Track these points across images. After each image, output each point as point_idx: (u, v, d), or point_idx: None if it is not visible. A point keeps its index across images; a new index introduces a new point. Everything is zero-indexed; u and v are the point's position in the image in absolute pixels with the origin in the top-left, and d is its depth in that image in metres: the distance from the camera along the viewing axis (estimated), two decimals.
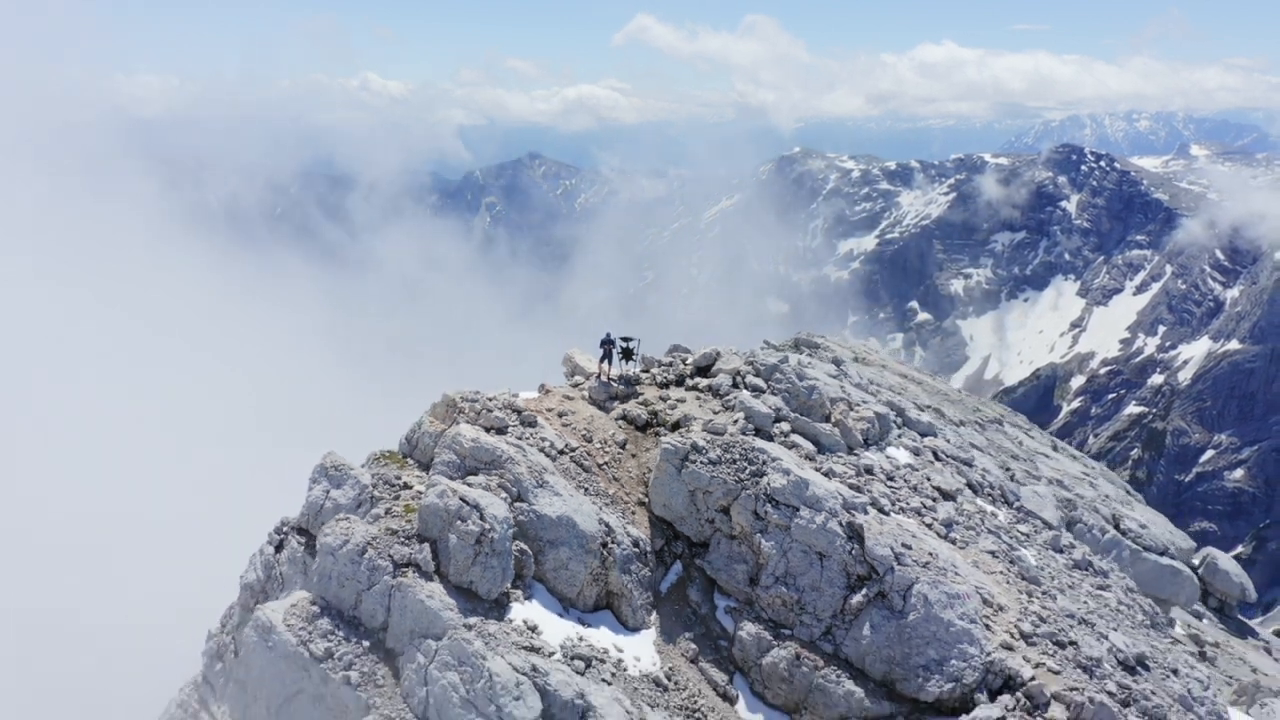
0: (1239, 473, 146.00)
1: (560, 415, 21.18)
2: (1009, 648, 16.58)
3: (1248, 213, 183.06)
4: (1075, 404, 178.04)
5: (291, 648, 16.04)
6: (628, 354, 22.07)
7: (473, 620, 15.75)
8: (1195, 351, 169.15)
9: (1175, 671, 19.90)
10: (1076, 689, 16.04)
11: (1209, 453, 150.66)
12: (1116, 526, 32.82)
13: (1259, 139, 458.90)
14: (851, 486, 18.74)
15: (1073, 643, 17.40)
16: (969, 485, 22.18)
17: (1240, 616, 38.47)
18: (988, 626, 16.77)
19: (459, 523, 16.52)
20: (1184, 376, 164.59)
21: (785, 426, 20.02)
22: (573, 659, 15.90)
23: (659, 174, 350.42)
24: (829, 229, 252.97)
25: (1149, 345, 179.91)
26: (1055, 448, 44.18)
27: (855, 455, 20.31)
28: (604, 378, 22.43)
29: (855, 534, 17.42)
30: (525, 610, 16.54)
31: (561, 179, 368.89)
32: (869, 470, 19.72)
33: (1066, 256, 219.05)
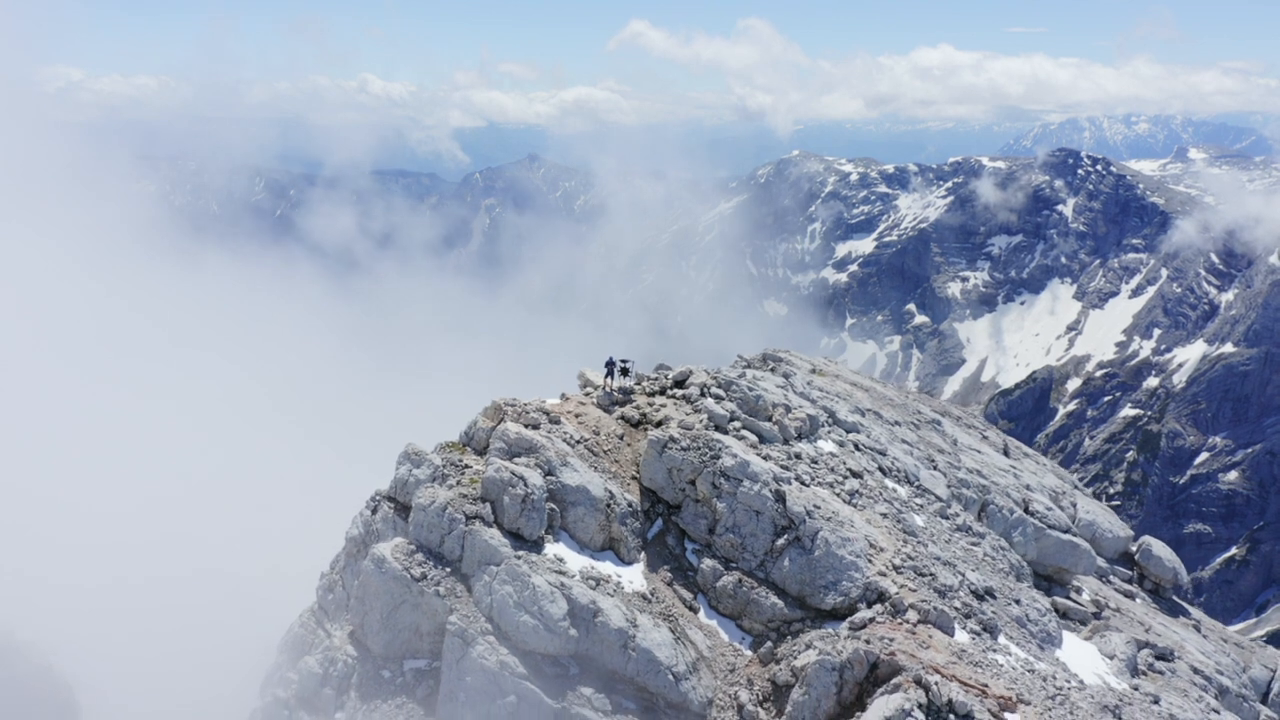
0: (1233, 475, 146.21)
1: (576, 416, 29.00)
2: (883, 575, 24.29)
3: (1243, 216, 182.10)
4: (1071, 406, 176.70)
5: (398, 572, 23.90)
6: (625, 372, 29.98)
7: (520, 553, 23.63)
8: (1190, 354, 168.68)
9: (1018, 601, 27.56)
10: (926, 601, 23.74)
11: (1203, 455, 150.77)
12: (1026, 509, 40.33)
13: (1256, 142, 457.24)
14: (782, 466, 26.46)
15: (931, 574, 25.10)
16: (879, 469, 29.85)
17: (1174, 597, 45.34)
18: (869, 561, 24.48)
19: (510, 489, 24.38)
20: (1179, 379, 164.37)
21: (737, 424, 27.78)
22: (587, 580, 23.73)
23: (657, 176, 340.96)
24: (827, 231, 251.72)
25: (1144, 348, 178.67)
26: (1006, 449, 51.46)
27: (789, 445, 28.03)
28: (608, 389, 30.29)
29: (781, 498, 25.17)
30: (555, 548, 24.42)
31: (560, 181, 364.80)
32: (797, 456, 27.44)
33: (1063, 260, 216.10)
